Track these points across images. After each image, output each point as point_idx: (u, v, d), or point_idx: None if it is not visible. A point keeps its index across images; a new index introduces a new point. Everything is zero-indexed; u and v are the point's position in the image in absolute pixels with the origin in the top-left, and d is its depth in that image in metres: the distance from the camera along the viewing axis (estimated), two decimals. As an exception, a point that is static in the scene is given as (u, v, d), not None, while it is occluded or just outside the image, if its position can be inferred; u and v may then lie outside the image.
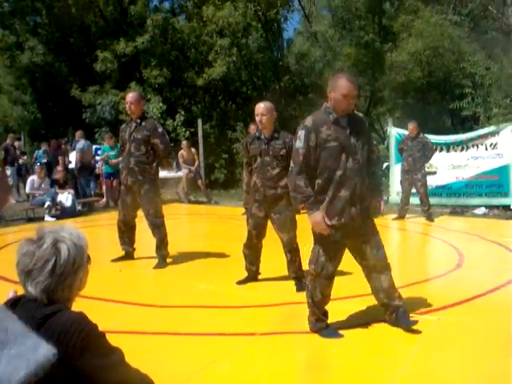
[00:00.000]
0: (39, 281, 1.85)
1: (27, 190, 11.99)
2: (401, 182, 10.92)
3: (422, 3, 18.77)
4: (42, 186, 11.72)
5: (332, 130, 4.01)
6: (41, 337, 1.73)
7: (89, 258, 2.02)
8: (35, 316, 1.79)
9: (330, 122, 4.04)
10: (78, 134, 14.09)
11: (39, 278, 1.85)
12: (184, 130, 18.13)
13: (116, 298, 5.29)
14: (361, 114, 4.38)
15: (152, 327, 4.48)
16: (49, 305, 1.85)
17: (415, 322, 4.26)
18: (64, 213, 11.57)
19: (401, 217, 10.58)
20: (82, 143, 13.69)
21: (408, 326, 4.22)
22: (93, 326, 1.86)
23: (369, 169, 4.15)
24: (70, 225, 2.10)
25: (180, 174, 14.29)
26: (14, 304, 1.89)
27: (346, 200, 4.00)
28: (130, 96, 6.70)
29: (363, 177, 4.06)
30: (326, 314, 4.33)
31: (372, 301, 4.54)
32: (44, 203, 11.33)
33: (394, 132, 13.13)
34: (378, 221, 8.98)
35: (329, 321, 4.36)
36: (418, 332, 4.20)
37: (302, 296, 5.25)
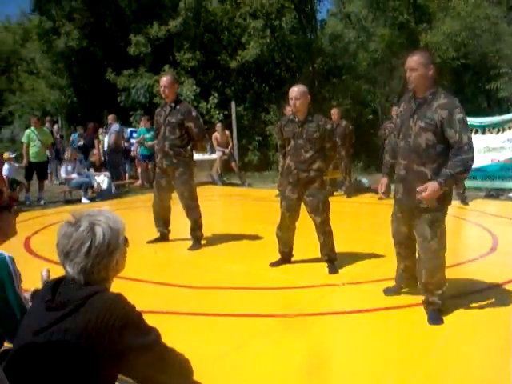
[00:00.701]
0: (76, 262, 1.92)
1: (62, 174, 12.18)
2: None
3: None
4: (77, 168, 11.88)
5: None
6: (81, 316, 1.81)
7: (126, 240, 2.08)
8: (76, 297, 1.87)
9: None
10: (111, 117, 14.25)
11: (76, 259, 1.92)
12: (217, 112, 18.19)
13: (151, 279, 5.41)
14: None
15: (186, 308, 4.57)
16: (87, 285, 1.92)
17: (439, 323, 4.13)
18: (100, 195, 11.78)
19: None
20: (117, 126, 13.87)
21: (430, 323, 4.13)
22: (131, 306, 1.92)
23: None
24: (107, 208, 2.17)
25: (214, 156, 14.38)
26: (57, 285, 1.97)
27: None
28: (164, 80, 6.77)
29: None
30: None
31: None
32: (81, 186, 11.54)
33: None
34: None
35: (374, 301, 4.46)
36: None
37: (335, 278, 5.32)
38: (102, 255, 1.94)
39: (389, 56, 18.38)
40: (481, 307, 4.47)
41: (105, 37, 22.47)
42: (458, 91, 17.32)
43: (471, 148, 3.89)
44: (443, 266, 4.24)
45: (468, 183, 10.87)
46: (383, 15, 19.41)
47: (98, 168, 12.69)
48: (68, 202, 11.51)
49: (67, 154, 12.26)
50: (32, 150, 11.47)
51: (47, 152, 12.12)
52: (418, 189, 3.94)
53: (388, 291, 4.77)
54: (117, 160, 13.95)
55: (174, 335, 2.29)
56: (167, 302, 4.76)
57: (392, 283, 4.83)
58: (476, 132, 11.99)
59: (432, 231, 4.11)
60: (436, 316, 4.19)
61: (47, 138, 12.00)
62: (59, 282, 1.99)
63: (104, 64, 21.20)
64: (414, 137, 4.09)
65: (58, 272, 2.08)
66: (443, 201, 4.09)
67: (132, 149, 14.89)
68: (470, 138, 3.90)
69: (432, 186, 3.86)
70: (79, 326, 1.80)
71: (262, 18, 19.12)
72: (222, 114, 18.04)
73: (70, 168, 11.77)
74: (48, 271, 2.70)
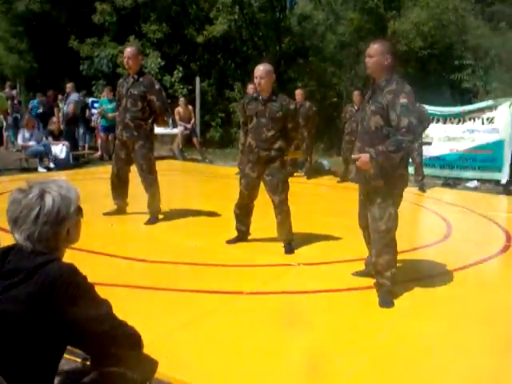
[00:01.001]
0: (24, 229, 1.88)
1: (19, 141, 11.86)
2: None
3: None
4: (35, 136, 11.60)
5: None
6: (32, 285, 1.77)
7: (80, 210, 2.03)
8: (26, 265, 1.83)
9: None
10: (69, 86, 13.95)
11: (24, 225, 1.88)
12: (182, 86, 17.97)
13: (105, 251, 5.36)
14: None
15: (139, 281, 4.54)
16: (38, 254, 1.88)
17: (390, 306, 4.21)
18: (58, 164, 11.55)
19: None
20: (75, 95, 13.60)
21: (381, 306, 4.21)
22: (83, 277, 1.89)
23: None
24: (63, 178, 2.12)
25: (176, 130, 14.24)
26: (7, 253, 1.92)
27: None
28: (128, 51, 6.64)
29: None
30: None
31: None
32: (36, 154, 11.28)
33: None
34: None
35: (328, 283, 4.52)
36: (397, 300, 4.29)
37: (290, 258, 5.36)
38: (51, 223, 1.90)
39: (356, 40, 18.43)
40: (433, 292, 4.57)
41: (68, 2, 21.85)
42: (423, 80, 17.52)
43: (409, 131, 4.03)
44: (392, 247, 4.34)
45: (427, 171, 11.04)
46: (353, -1, 19.44)
47: (57, 137, 12.43)
48: (24, 170, 11.23)
49: (24, 121, 11.94)
50: None
51: (1, 117, 11.74)
52: (352, 156, 4.27)
53: (356, 274, 4.84)
54: (74, 130, 13.72)
55: (125, 309, 2.26)
56: (120, 275, 4.73)
57: (347, 265, 4.89)
58: (437, 121, 12.18)
59: (380, 212, 4.24)
60: (386, 299, 4.26)
61: (2, 104, 11.62)
62: (9, 249, 1.94)
63: (67, 30, 20.66)
64: (367, 120, 4.28)
65: (8, 241, 2.03)
66: (393, 183, 4.22)
67: (92, 119, 14.60)
68: (411, 123, 4.02)
69: (364, 156, 4.12)
70: (28, 295, 1.76)
71: (231, -7, 18.90)
72: (185, 89, 17.82)
73: (27, 135, 11.48)
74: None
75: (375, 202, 4.26)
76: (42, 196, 1.90)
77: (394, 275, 4.33)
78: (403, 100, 4.06)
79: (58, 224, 1.92)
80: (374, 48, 4.27)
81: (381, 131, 4.17)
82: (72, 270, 1.88)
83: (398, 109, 4.06)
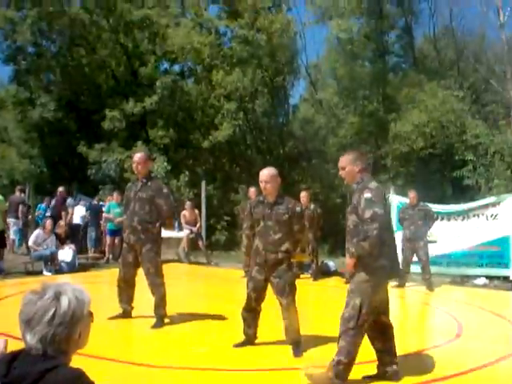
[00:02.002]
0: (37, 330, 1.87)
1: (30, 242, 11.92)
2: (402, 251, 10.90)
3: (425, 76, 19.27)
4: (47, 241, 11.64)
5: None
6: None
7: (91, 314, 2.05)
8: (33, 371, 1.81)
9: None
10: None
11: (37, 327, 1.87)
12: (188, 190, 18.28)
13: (112, 357, 5.26)
14: None
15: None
16: (46, 358, 1.86)
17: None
18: (64, 268, 11.54)
19: (401, 285, 10.53)
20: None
21: None
22: (91, 382, 1.87)
23: None
24: (68, 281, 2.13)
25: (181, 234, 14.33)
26: (13, 359, 1.90)
27: None
28: (138, 156, 6.84)
29: None
30: None
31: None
32: (43, 257, 11.30)
33: (396, 200, 13.23)
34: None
35: None
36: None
37: (299, 361, 5.24)
38: (65, 325, 1.90)
39: (358, 142, 18.93)
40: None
41: (80, 110, 22.80)
42: (425, 179, 17.83)
43: (374, 220, 4.31)
44: (349, 336, 4.47)
45: (433, 269, 10.97)
46: (353, 103, 20.15)
47: (63, 240, 12.51)
48: (29, 273, 11.20)
49: (46, 225, 11.90)
50: None
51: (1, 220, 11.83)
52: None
53: (368, 377, 4.73)
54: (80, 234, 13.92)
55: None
56: (127, 380, 4.64)
57: (357, 369, 4.78)
58: (442, 219, 12.22)
59: (348, 299, 4.55)
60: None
61: (2, 206, 11.80)
62: (16, 355, 1.92)
63: (77, 136, 21.38)
64: (348, 220, 4.71)
65: (15, 347, 2.02)
66: (371, 273, 4.41)
67: (100, 223, 14.76)
68: (375, 213, 4.33)
69: (347, 260, 4.57)
70: None
71: (235, 100, 19.64)
72: (191, 193, 18.13)
73: (41, 239, 11.50)
74: (5, 342, 2.61)
75: (348, 291, 4.54)
76: (57, 297, 1.91)
77: (341, 366, 4.42)
78: (367, 194, 4.42)
79: (72, 326, 1.92)
80: (344, 160, 4.77)
81: (358, 228, 4.48)
82: (80, 375, 1.87)
83: (362, 203, 4.42)
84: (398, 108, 19.30)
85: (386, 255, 4.44)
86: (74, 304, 1.93)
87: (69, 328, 1.92)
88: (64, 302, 1.91)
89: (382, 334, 4.67)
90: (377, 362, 4.74)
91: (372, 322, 4.53)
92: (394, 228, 12.65)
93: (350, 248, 4.50)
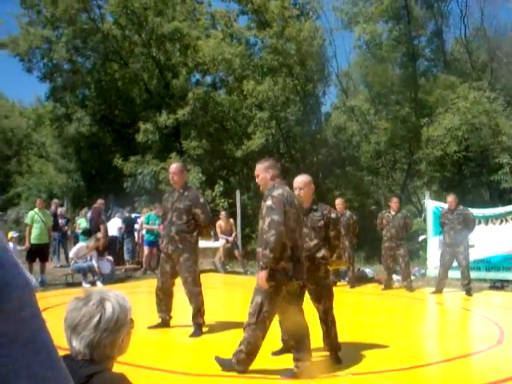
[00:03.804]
0: (84, 335, 1.93)
1: (71, 254, 12.15)
2: (441, 256, 10.78)
3: (457, 79, 19.05)
4: (87, 257, 11.80)
5: None
6: None
7: (132, 321, 2.10)
8: (78, 375, 1.85)
9: None
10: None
11: (84, 332, 1.93)
12: (222, 200, 18.38)
13: (151, 365, 5.33)
14: None
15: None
16: (90, 363, 1.91)
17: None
18: (102, 280, 11.71)
19: (439, 291, 10.41)
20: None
21: None
22: None
23: None
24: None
25: (217, 244, 14.41)
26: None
27: None
28: (174, 167, 6.95)
29: None
30: None
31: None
32: (81, 270, 11.48)
33: (432, 205, 13.10)
34: (415, 294, 8.94)
35: None
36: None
37: (338, 368, 5.24)
38: (110, 330, 1.96)
39: (391, 148, 18.79)
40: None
41: (114, 124, 23.19)
42: (461, 183, 17.60)
43: (271, 228, 4.65)
44: (251, 330, 4.93)
45: (473, 274, 10.80)
46: (385, 109, 20.02)
47: (102, 252, 12.69)
48: (69, 285, 11.44)
49: (92, 244, 11.98)
50: (35, 232, 11.53)
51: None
52: None
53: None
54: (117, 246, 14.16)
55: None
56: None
57: (396, 375, 4.75)
58: (479, 223, 12.02)
59: (252, 296, 5.03)
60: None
61: (48, 220, 12.08)
62: None
63: (112, 150, 21.71)
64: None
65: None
66: (272, 276, 4.71)
67: (138, 234, 14.96)
68: (272, 220, 4.66)
69: (259, 275, 4.79)
70: None
71: (267, 109, 19.71)
72: (226, 203, 18.21)
73: (81, 253, 11.64)
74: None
75: (254, 288, 4.98)
76: (102, 303, 1.97)
77: (242, 355, 4.93)
78: (268, 202, 4.78)
79: (117, 332, 1.98)
80: (258, 168, 5.18)
81: (262, 235, 4.79)
82: (123, 379, 1.92)
83: (263, 211, 4.81)
84: (429, 112, 19.13)
85: (286, 258, 4.75)
86: (117, 310, 1.98)
87: (114, 333, 1.97)
88: (108, 307, 1.97)
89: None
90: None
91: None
92: (430, 232, 12.68)
93: (258, 257, 4.85)
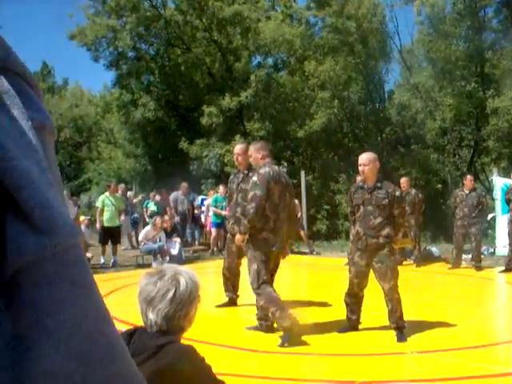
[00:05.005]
0: (160, 308, 2.06)
1: (140, 237, 12.57)
2: (509, 234, 10.52)
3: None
4: (156, 236, 12.17)
5: None
6: (155, 364, 1.93)
7: (199, 296, 2.23)
8: (149, 346, 2.00)
9: None
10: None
11: (160, 305, 2.06)
12: (287, 181, 18.42)
13: (220, 342, 5.52)
14: None
15: (253, 371, 4.65)
16: (163, 334, 2.05)
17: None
18: (171, 260, 12.03)
19: (508, 269, 10.18)
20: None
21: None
22: (201, 358, 2.05)
23: None
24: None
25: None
26: (131, 334, 2.10)
27: None
28: (238, 148, 7.07)
29: None
30: None
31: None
32: (150, 251, 11.86)
33: (500, 182, 12.76)
34: (483, 274, 8.81)
35: (445, 371, 4.39)
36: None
37: (403, 346, 5.27)
38: (184, 303, 2.09)
39: (457, 125, 18.34)
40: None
41: (179, 108, 23.58)
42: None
43: (252, 201, 5.41)
44: (260, 295, 5.56)
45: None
46: (450, 85, 19.51)
47: (169, 234, 13.01)
48: (140, 266, 11.83)
49: (157, 224, 12.36)
50: (106, 215, 11.98)
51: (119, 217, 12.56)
52: None
53: None
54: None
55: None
56: (234, 364, 4.83)
57: (463, 353, 4.74)
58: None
59: (248, 267, 5.78)
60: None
61: (120, 204, 12.51)
62: (133, 332, 2.11)
63: (177, 134, 22.11)
64: None
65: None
66: (256, 245, 5.57)
67: (202, 216, 15.27)
68: (254, 194, 5.41)
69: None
70: (152, 373, 1.87)
71: (329, 89, 19.58)
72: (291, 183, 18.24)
73: (150, 235, 12.02)
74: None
75: (247, 259, 5.64)
76: (176, 278, 2.11)
77: (277, 313, 5.32)
78: (254, 178, 5.55)
79: (190, 304, 2.12)
80: (251, 149, 6.06)
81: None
82: (192, 350, 2.05)
83: (249, 185, 5.62)
84: (496, 86, 18.52)
85: (268, 230, 5.48)
86: (190, 284, 2.12)
87: (187, 306, 2.10)
88: (182, 281, 2.10)
89: None
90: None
91: None
92: (499, 211, 12.36)
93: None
